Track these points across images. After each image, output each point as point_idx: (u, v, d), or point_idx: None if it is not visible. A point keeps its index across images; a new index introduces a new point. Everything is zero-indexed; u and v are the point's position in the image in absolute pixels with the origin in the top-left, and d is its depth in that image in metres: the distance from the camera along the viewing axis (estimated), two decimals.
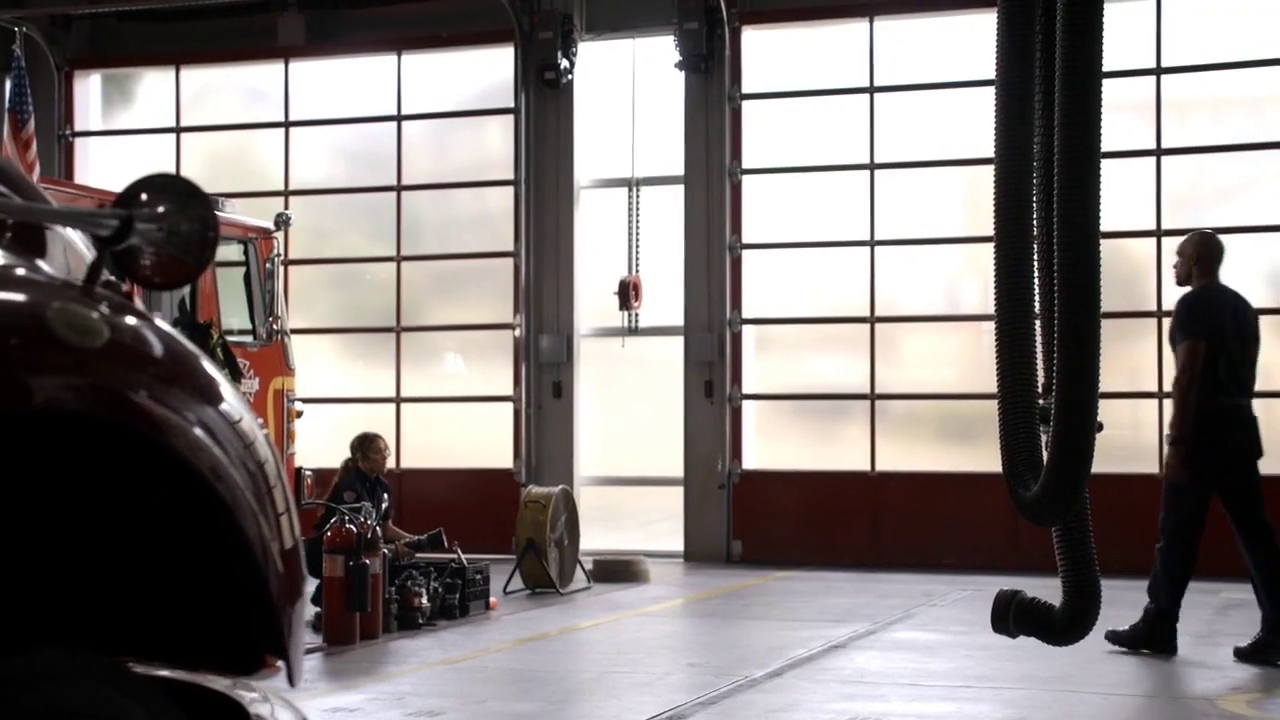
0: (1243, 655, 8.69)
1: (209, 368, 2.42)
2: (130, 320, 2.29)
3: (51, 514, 2.43)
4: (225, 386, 2.43)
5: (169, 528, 2.42)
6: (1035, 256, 7.03)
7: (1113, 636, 8.99)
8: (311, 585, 10.82)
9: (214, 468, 2.27)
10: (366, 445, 11.32)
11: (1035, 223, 7.02)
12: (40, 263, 2.49)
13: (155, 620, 2.54)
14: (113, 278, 2.50)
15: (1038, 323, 7.10)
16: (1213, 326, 8.74)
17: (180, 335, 2.41)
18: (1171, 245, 14.85)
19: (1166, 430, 8.96)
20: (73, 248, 2.71)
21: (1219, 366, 8.67)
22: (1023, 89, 7.02)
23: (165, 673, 2.63)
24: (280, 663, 2.45)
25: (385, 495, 11.14)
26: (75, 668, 2.17)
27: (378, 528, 9.93)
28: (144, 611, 2.53)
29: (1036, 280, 7.02)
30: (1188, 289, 9.04)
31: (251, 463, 2.38)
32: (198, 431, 2.27)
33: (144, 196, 2.45)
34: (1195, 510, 8.79)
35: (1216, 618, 11.04)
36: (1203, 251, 9.05)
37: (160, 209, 2.41)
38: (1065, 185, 6.30)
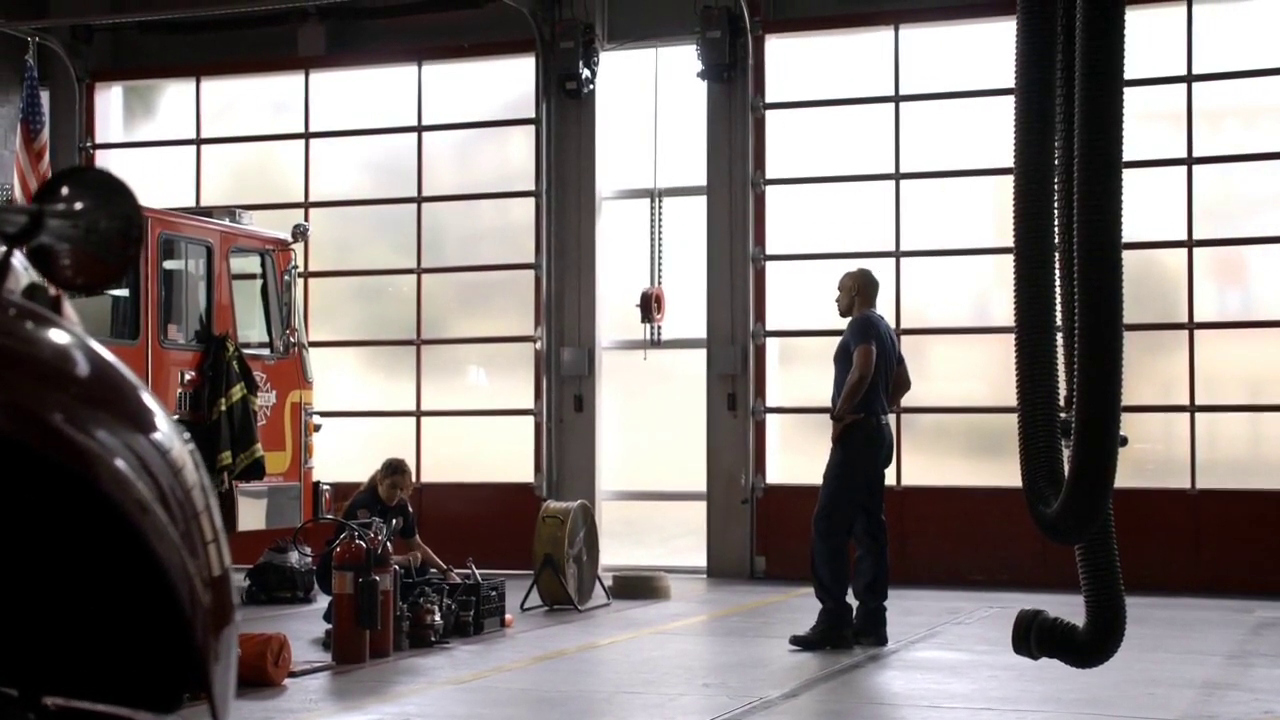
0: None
1: (138, 388, 2.22)
2: (41, 330, 2.09)
3: None
4: (156, 409, 2.24)
5: (87, 553, 2.24)
6: (1056, 264, 6.83)
7: (796, 641, 9.83)
8: (324, 601, 10.70)
9: (131, 495, 2.08)
10: (394, 475, 11.11)
11: (1056, 230, 6.81)
12: None
13: (79, 651, 2.35)
14: (42, 284, 2.32)
15: (1059, 333, 6.89)
16: (877, 343, 10.16)
17: (104, 350, 2.22)
18: (1204, 256, 14.66)
19: (836, 412, 10.27)
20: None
21: (876, 385, 10.13)
22: (1044, 93, 6.82)
23: (102, 708, 2.45)
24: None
25: (398, 519, 10.92)
26: None
27: (388, 544, 9.74)
28: (66, 642, 2.35)
29: (1058, 289, 6.81)
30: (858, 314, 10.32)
31: (179, 490, 2.19)
32: (120, 462, 2.08)
33: (64, 191, 2.27)
34: (852, 507, 10.23)
35: (1250, 637, 10.77)
36: (862, 285, 10.41)
37: (78, 205, 2.23)
38: (1086, 191, 6.09)
